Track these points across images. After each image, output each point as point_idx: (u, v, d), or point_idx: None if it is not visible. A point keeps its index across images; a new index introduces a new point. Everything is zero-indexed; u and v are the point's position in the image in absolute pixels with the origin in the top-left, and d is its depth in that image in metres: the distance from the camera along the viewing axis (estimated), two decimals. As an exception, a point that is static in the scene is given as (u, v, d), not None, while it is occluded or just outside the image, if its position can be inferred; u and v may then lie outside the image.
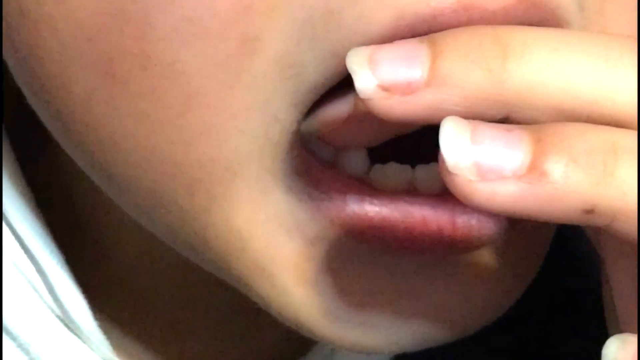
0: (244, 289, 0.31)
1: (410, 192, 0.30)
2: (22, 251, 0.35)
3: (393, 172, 0.30)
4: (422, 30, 0.27)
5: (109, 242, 0.37)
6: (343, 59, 0.27)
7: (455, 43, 0.26)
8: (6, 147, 0.36)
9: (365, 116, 0.28)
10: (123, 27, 0.28)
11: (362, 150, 0.30)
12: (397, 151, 0.31)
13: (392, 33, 0.27)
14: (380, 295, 0.30)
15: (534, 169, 0.24)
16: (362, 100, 0.26)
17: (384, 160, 0.30)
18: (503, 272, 0.31)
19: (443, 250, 0.29)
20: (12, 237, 0.35)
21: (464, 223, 0.29)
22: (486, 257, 0.31)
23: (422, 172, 0.30)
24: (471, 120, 0.25)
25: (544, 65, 0.25)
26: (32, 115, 0.33)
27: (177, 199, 0.29)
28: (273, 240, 0.30)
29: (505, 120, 0.26)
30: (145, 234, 0.36)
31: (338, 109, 0.29)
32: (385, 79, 0.25)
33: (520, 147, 0.25)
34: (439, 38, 0.26)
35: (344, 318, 0.30)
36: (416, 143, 0.30)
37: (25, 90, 0.32)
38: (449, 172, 0.25)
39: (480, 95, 0.25)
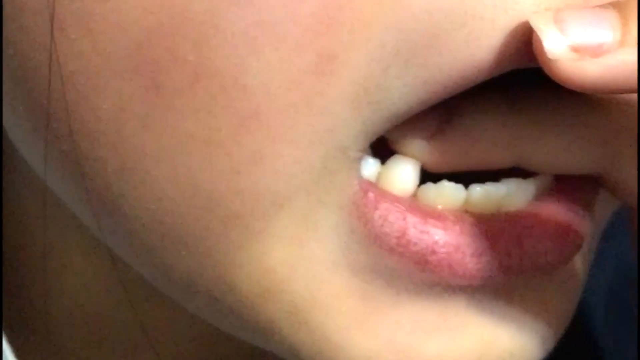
0: (270, 340, 0.28)
1: (470, 213, 0.27)
2: None
3: (448, 191, 0.27)
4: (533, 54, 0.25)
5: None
6: (435, 85, 0.25)
7: None
8: None
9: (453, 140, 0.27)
10: (181, 29, 0.24)
11: (415, 165, 0.27)
12: None
13: (500, 58, 0.25)
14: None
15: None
16: (547, 63, 0.24)
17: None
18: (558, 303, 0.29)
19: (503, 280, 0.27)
20: None
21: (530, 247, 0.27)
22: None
23: (476, 191, 0.28)
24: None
25: None
26: None
27: (207, 237, 0.26)
28: (314, 279, 0.26)
29: None
30: None
31: (429, 126, 0.27)
32: (575, 39, 0.24)
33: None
34: (623, 3, 0.25)
35: None
36: None
37: (14, 113, 0.27)
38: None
39: None
